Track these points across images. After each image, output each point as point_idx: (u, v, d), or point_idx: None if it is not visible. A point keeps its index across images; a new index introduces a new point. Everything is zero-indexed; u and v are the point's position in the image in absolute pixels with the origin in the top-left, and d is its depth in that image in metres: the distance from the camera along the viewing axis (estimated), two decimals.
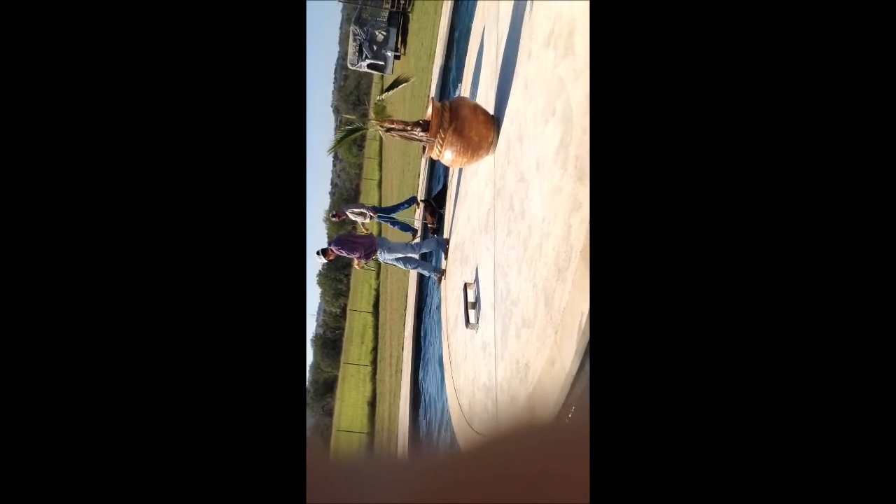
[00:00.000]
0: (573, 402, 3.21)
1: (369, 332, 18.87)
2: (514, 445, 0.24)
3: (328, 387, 34.97)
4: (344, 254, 6.27)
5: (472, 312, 5.03)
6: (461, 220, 6.30)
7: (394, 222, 8.73)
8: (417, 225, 8.61)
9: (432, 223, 7.96)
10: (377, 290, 20.71)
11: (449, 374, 5.89)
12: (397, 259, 6.49)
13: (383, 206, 10.91)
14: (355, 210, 8.41)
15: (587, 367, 3.03)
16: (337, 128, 5.68)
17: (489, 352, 4.50)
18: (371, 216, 8.37)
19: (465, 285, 5.18)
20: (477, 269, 5.16)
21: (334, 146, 5.20)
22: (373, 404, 15.91)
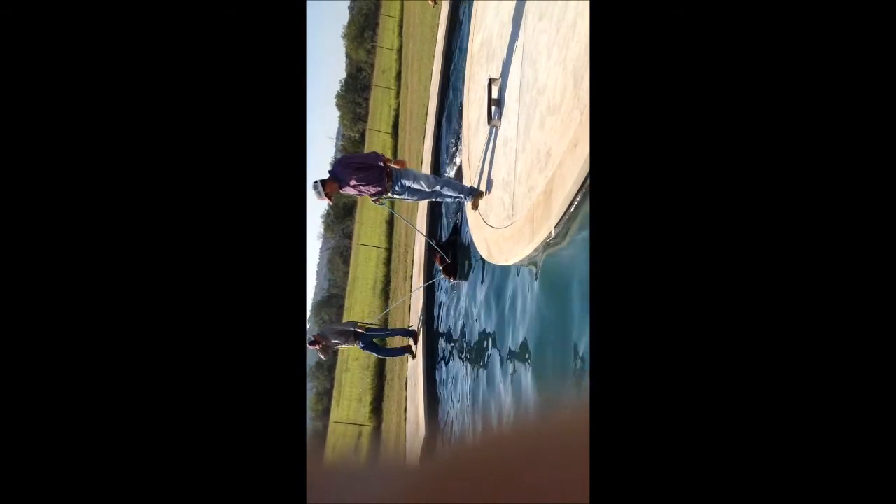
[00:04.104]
0: (588, 185, 3.17)
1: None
2: (513, 447, 0.24)
3: (348, 211, 35.52)
4: (351, 188, 4.48)
5: (494, 109, 4.86)
6: (489, 15, 5.84)
7: (383, 337, 7.70)
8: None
9: (449, 276, 6.36)
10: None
11: (468, 180, 5.87)
12: (414, 190, 4.84)
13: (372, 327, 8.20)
14: (337, 330, 7.25)
15: None
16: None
17: (510, 147, 4.41)
18: (358, 333, 7.10)
19: (490, 80, 4.93)
20: (503, 64, 4.87)
21: None
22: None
